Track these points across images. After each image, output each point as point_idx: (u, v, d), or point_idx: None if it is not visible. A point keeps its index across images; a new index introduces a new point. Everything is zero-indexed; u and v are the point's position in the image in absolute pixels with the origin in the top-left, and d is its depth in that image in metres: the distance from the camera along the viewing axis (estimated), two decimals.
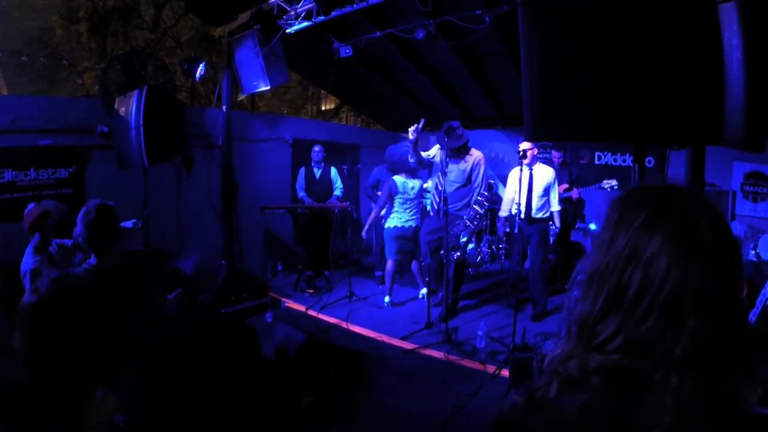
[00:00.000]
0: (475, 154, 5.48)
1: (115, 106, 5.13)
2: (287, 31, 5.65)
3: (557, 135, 2.61)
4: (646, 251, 0.74)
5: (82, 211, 2.36)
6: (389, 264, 6.07)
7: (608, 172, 7.41)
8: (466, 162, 5.43)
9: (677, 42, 2.10)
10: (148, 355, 0.85)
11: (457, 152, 5.37)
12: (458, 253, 5.48)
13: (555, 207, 5.61)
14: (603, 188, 6.17)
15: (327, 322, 5.54)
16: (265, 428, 0.89)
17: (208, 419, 0.76)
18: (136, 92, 4.86)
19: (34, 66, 13.61)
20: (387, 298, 6.12)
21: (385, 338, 5.06)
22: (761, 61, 2.04)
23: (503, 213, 5.78)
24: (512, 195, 5.52)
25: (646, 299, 0.73)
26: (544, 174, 5.46)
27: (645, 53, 2.15)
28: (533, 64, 2.33)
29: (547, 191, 5.47)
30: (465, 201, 5.49)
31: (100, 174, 5.59)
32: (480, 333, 4.79)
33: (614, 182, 6.18)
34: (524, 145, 5.22)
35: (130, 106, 4.86)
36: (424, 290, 6.16)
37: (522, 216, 5.38)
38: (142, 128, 4.72)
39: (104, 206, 2.41)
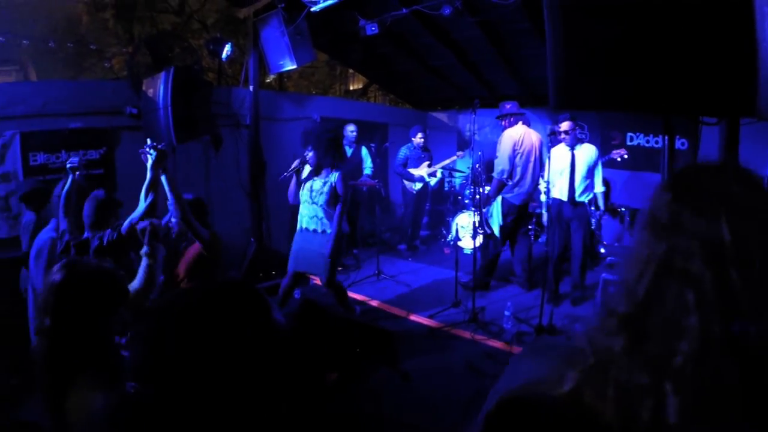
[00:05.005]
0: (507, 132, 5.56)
1: (143, 87, 5.20)
2: (312, 9, 5.58)
3: (583, 104, 2.52)
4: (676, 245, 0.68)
5: None
6: None
7: (643, 154, 7.19)
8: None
9: (708, 10, 2.00)
10: (156, 318, 0.84)
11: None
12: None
13: (598, 188, 5.36)
14: (613, 159, 6.04)
15: (354, 299, 5.56)
16: (288, 400, 0.87)
17: (224, 384, 0.75)
18: (163, 74, 4.90)
19: (62, 54, 13.84)
20: None
21: (411, 316, 5.08)
22: None
23: (554, 195, 5.40)
24: (556, 177, 5.33)
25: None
26: (587, 154, 5.26)
27: (675, 21, 2.05)
28: (558, 31, 2.24)
29: (590, 172, 5.28)
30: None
31: (130, 154, 5.64)
32: (507, 314, 4.75)
33: (623, 152, 6.08)
34: (564, 126, 5.15)
35: (158, 87, 4.91)
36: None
37: (565, 199, 5.25)
38: (170, 108, 4.78)
39: None
